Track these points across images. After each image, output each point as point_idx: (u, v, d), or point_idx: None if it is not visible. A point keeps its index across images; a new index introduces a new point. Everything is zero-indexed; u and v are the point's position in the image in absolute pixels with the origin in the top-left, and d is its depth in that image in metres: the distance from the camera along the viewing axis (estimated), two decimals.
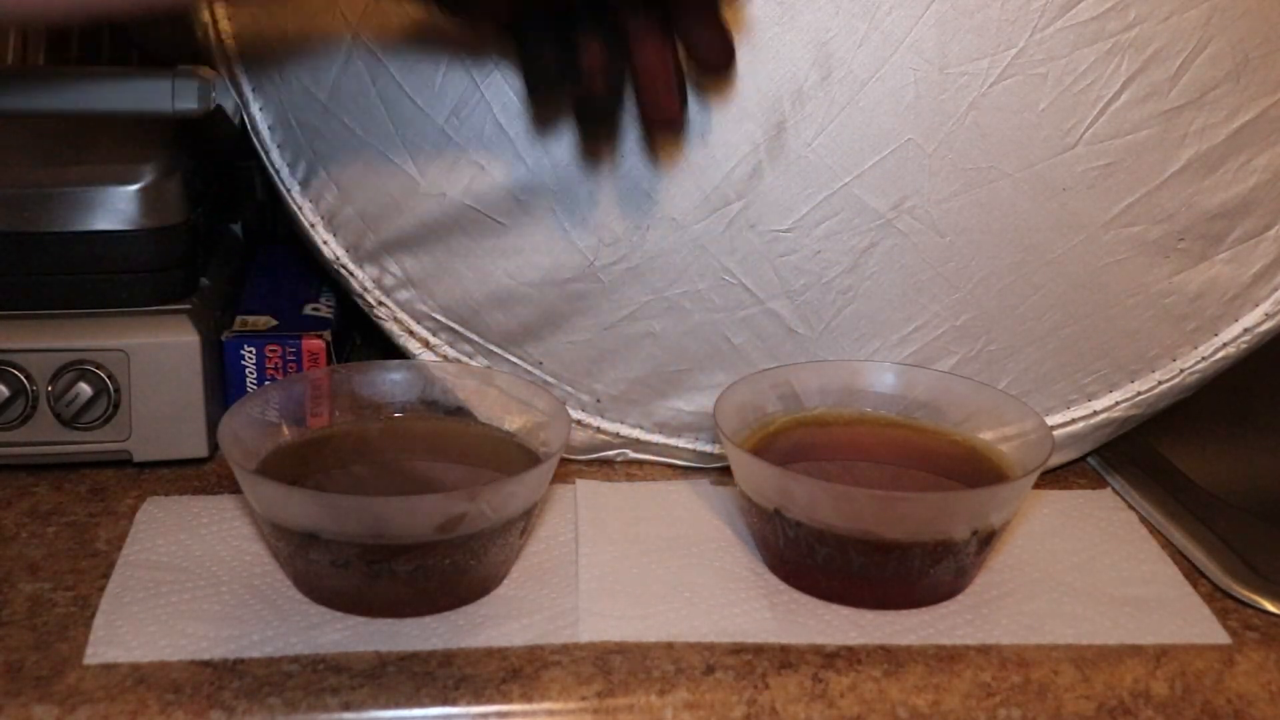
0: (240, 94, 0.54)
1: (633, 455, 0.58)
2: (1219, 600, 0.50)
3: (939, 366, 0.55)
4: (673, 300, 0.54)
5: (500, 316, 0.55)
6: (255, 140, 0.55)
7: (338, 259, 0.55)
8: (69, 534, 0.51)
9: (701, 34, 0.47)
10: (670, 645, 0.46)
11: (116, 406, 0.54)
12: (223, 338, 0.58)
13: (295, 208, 0.55)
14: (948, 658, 0.45)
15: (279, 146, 0.55)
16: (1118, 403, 0.57)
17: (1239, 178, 0.53)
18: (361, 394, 0.54)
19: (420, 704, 0.42)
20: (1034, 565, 0.51)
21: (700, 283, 0.53)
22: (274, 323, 0.59)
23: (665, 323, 0.54)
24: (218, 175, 0.64)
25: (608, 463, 0.59)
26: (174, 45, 0.60)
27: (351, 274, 0.56)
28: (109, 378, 0.54)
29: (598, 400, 0.57)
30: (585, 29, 0.45)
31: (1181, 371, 0.56)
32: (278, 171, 0.55)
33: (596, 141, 0.51)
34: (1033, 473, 0.47)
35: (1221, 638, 0.47)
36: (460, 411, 0.54)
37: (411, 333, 0.56)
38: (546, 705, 0.43)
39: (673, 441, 0.57)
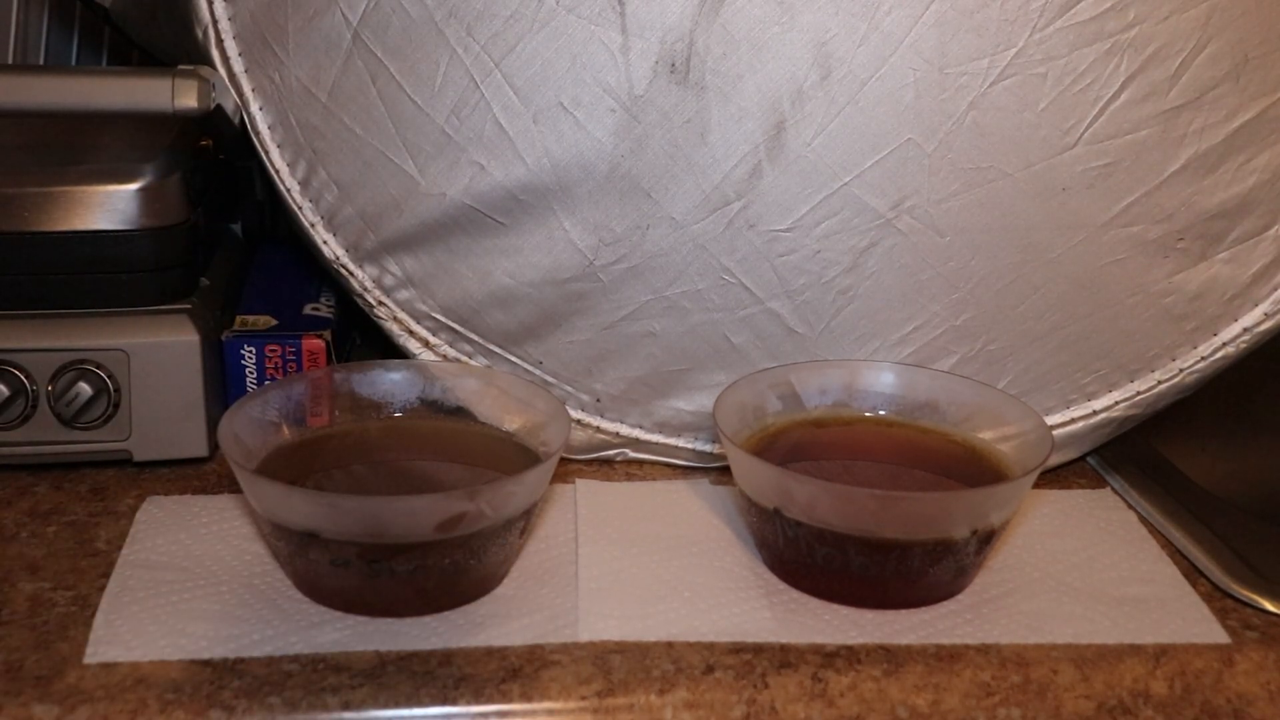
0: (240, 94, 0.54)
1: (632, 455, 0.58)
2: (1218, 600, 0.50)
3: (939, 366, 0.55)
4: (672, 300, 0.54)
5: (500, 316, 0.55)
6: (255, 140, 0.55)
7: (338, 259, 0.55)
8: (69, 534, 0.51)
9: None
10: (670, 645, 0.46)
11: (116, 406, 0.54)
12: (223, 337, 0.58)
13: (295, 208, 0.55)
14: (947, 657, 0.45)
15: (279, 146, 0.55)
16: (1117, 402, 0.57)
17: (1238, 178, 0.53)
18: (361, 394, 0.54)
19: (420, 703, 0.42)
20: (1034, 565, 0.51)
21: (700, 282, 0.53)
22: (274, 322, 0.59)
23: (665, 322, 0.54)
24: (218, 175, 0.64)
25: (607, 462, 0.59)
26: (174, 45, 0.60)
27: (351, 274, 0.56)
28: (109, 377, 0.54)
29: (597, 400, 0.57)
30: None
31: (1181, 371, 0.56)
32: (278, 171, 0.55)
33: None
34: (1032, 472, 0.48)
35: (1221, 637, 0.47)
36: (460, 411, 0.54)
37: (411, 332, 0.56)
38: (546, 705, 0.43)
39: (672, 441, 0.57)
